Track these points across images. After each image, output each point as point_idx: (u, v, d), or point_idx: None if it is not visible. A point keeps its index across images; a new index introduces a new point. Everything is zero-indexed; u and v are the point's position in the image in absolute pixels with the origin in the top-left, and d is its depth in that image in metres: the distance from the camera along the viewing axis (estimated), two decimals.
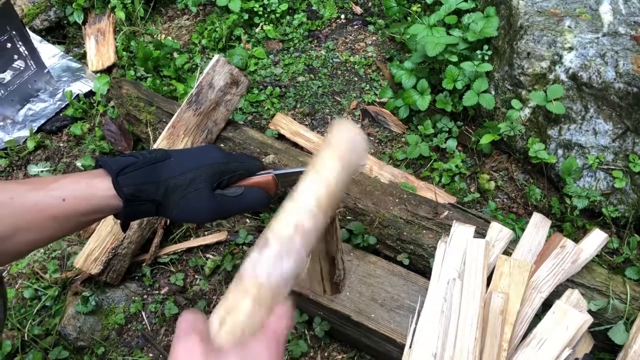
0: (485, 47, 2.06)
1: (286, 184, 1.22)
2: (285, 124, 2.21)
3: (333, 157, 0.86)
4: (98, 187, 1.00)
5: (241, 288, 0.73)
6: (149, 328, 1.76)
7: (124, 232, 1.13)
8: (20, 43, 2.25)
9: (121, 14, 2.63)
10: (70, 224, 0.99)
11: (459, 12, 2.21)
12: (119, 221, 1.08)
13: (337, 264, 1.40)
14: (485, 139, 1.96)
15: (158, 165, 1.06)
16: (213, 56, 1.92)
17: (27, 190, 0.96)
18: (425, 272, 1.66)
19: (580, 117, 1.86)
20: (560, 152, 1.90)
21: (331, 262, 1.38)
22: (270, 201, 1.20)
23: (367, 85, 2.43)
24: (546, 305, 1.45)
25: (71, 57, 2.60)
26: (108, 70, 2.53)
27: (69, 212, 0.98)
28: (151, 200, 1.04)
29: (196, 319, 0.73)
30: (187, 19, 2.77)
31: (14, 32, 2.21)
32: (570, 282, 1.54)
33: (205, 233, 1.96)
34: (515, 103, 1.94)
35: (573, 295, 1.49)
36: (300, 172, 1.18)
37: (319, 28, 2.70)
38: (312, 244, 0.80)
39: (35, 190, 0.96)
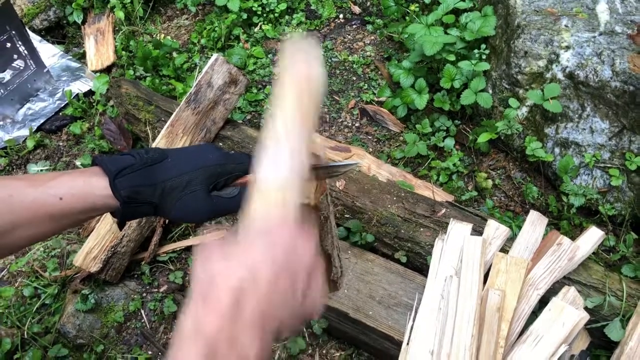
0: (483, 46, 2.07)
1: None
2: None
3: (285, 93, 0.92)
4: (95, 186, 1.01)
5: (250, 198, 0.82)
6: (148, 326, 1.77)
7: (120, 229, 1.13)
8: (19, 43, 2.26)
9: (120, 14, 2.64)
10: (66, 220, 1.00)
11: (456, 12, 2.22)
12: (116, 219, 1.08)
13: (333, 261, 1.40)
14: (483, 138, 1.97)
15: (155, 166, 1.06)
16: (212, 55, 1.93)
17: (26, 187, 0.97)
18: (422, 269, 1.67)
19: (577, 115, 1.87)
20: (557, 150, 1.91)
21: (327, 260, 1.39)
22: None
23: (366, 85, 2.44)
24: (543, 302, 1.46)
25: (71, 57, 2.61)
26: (107, 70, 2.54)
27: (66, 210, 0.99)
28: (148, 202, 1.05)
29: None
30: (186, 19, 2.78)
31: (13, 32, 2.21)
32: (566, 280, 1.55)
33: (204, 231, 1.96)
34: (512, 102, 1.95)
35: (569, 292, 1.50)
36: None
37: (317, 28, 2.71)
38: (304, 139, 0.88)
39: (34, 187, 0.97)
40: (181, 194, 1.06)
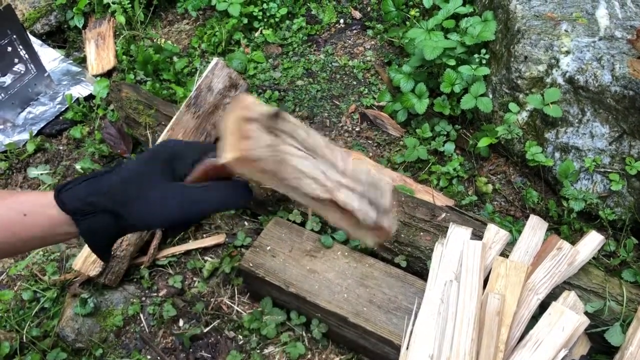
0: (483, 51, 2.07)
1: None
2: None
3: None
4: (49, 209, 0.90)
5: None
6: (147, 330, 1.77)
7: (105, 261, 1.02)
8: (20, 47, 2.27)
9: (121, 18, 2.65)
10: (32, 241, 0.93)
11: (456, 17, 2.23)
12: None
13: (344, 204, 0.97)
14: (483, 142, 1.97)
15: (103, 175, 0.91)
16: (212, 60, 1.93)
17: None
18: (422, 274, 1.67)
19: (577, 120, 1.87)
20: (557, 155, 1.91)
21: (335, 206, 0.98)
22: (249, 196, 0.97)
23: (366, 89, 2.44)
24: (543, 307, 1.46)
25: (71, 61, 2.62)
26: (108, 74, 2.54)
27: (30, 226, 0.91)
28: (102, 210, 0.90)
29: None
30: (187, 24, 2.79)
31: (14, 36, 2.22)
32: (566, 284, 1.55)
33: (204, 235, 1.96)
34: (512, 106, 1.95)
35: (570, 297, 1.49)
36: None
37: (318, 32, 2.71)
38: None
39: None
40: (140, 188, 0.90)
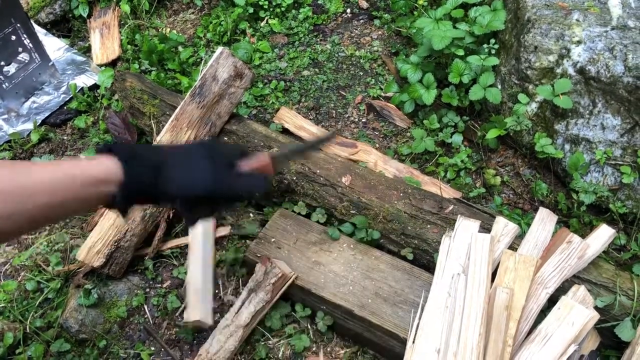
0: (492, 40, 2.04)
1: (283, 164, 1.23)
2: (290, 118, 2.20)
3: None
4: (102, 158, 1.01)
5: None
6: (151, 321, 1.76)
7: (123, 217, 1.08)
8: (25, 36, 2.25)
9: (126, 8, 2.62)
10: (78, 202, 0.98)
11: (465, 6, 2.19)
12: (118, 210, 1.05)
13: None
14: (492, 134, 1.94)
15: (155, 145, 1.14)
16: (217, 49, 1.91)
17: (39, 166, 0.97)
18: (429, 267, 1.65)
19: (588, 111, 1.84)
20: (567, 147, 1.88)
21: None
22: (270, 186, 1.23)
23: (373, 80, 2.41)
24: (552, 301, 1.43)
25: (76, 51, 2.60)
26: (113, 64, 2.52)
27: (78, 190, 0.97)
28: (149, 166, 1.02)
29: None
30: (192, 13, 2.76)
31: (18, 25, 2.20)
32: (576, 278, 1.52)
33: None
34: (522, 97, 1.92)
35: (579, 291, 1.47)
36: (297, 150, 1.33)
37: (324, 22, 2.68)
38: None
39: (50, 166, 0.98)
40: (184, 159, 1.07)
